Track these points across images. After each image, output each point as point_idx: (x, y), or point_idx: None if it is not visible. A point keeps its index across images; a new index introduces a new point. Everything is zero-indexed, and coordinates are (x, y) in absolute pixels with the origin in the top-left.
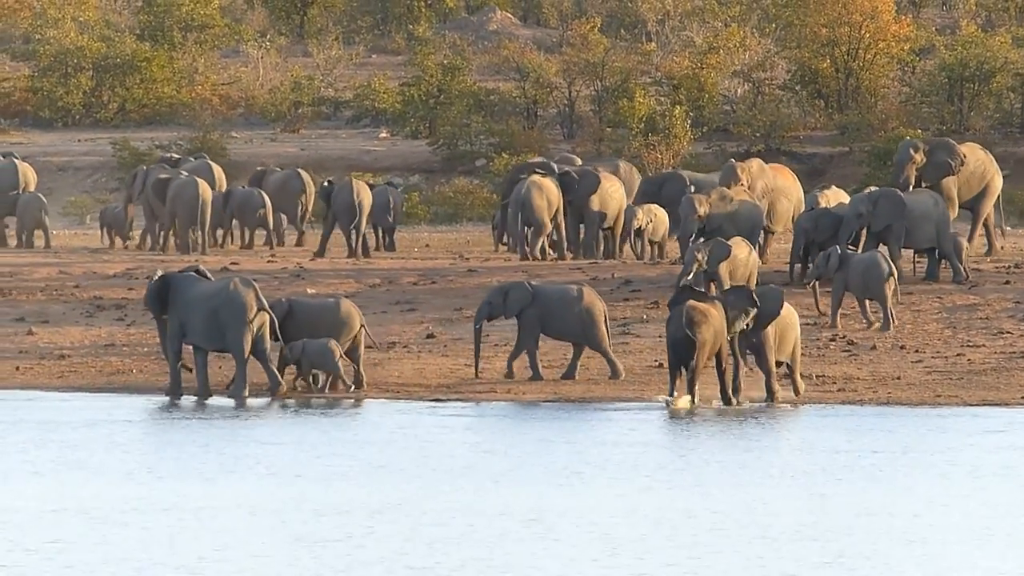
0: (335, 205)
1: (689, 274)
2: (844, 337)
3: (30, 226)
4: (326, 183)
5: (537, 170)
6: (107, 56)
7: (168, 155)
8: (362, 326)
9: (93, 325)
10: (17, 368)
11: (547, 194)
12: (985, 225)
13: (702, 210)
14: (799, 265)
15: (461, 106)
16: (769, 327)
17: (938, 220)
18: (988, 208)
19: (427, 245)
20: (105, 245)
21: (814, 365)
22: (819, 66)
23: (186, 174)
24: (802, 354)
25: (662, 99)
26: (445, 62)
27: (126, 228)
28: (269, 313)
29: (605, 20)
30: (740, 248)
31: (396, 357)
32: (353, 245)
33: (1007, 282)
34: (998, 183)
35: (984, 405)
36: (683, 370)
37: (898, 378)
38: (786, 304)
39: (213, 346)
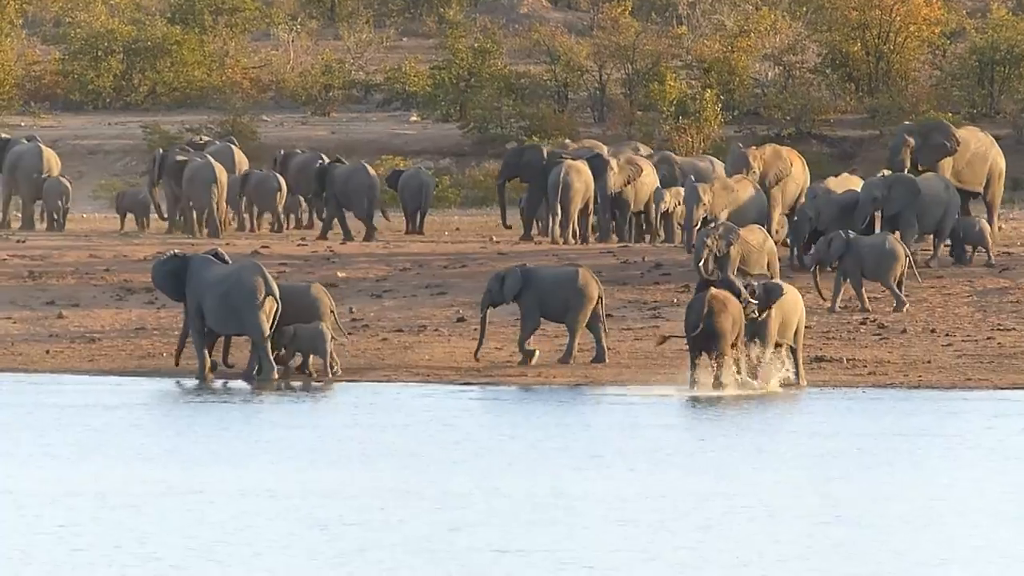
0: (346, 187)
1: (700, 260)
2: (875, 320)
3: (51, 210)
4: (322, 163)
5: (564, 155)
6: (137, 39)
7: (197, 138)
8: (332, 312)
9: (123, 308)
10: (48, 351)
11: (585, 178)
12: (989, 207)
13: (707, 198)
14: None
15: (492, 89)
16: (772, 313)
17: (948, 205)
18: (1000, 190)
19: (457, 229)
20: (124, 230)
21: (844, 348)
22: (850, 49)
23: (200, 157)
24: (834, 338)
25: (693, 82)
26: (476, 45)
27: (148, 212)
28: (276, 299)
29: (636, 3)
30: (754, 234)
31: (426, 340)
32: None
33: None
34: (1002, 165)
35: (1015, 388)
36: (702, 355)
37: (928, 362)
38: (790, 289)
39: (225, 330)
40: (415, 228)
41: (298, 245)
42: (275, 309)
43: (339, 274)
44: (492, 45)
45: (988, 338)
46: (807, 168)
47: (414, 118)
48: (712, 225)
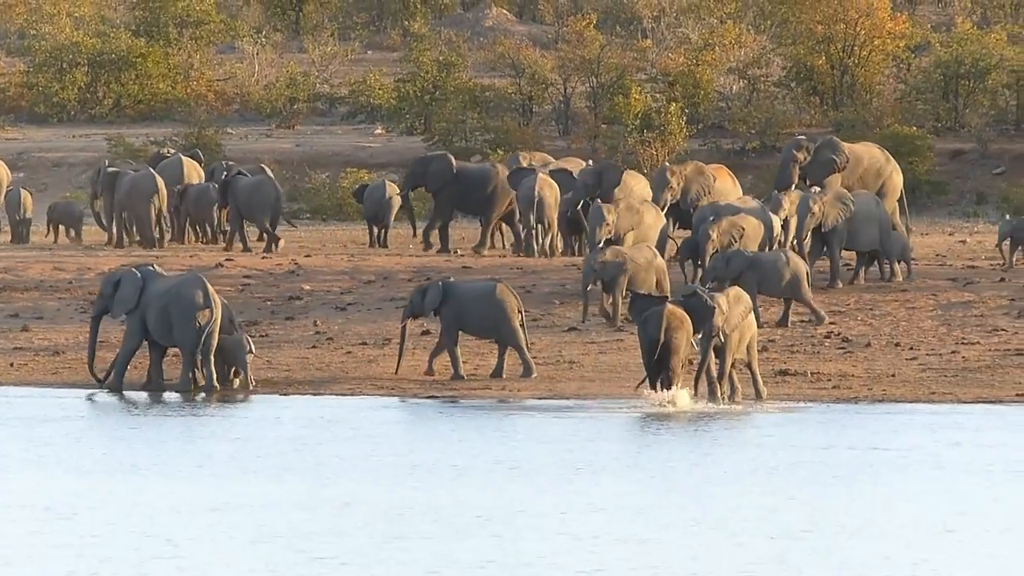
0: (249, 199)
1: (587, 284)
2: (839, 334)
3: (12, 223)
4: (225, 174)
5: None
6: (102, 52)
7: (165, 150)
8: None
9: (87, 322)
10: (12, 364)
11: (556, 192)
12: None
13: (611, 219)
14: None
15: (456, 102)
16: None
17: (881, 221)
18: (889, 206)
19: (422, 242)
20: (56, 242)
21: (809, 362)
22: (814, 63)
23: (139, 169)
24: (797, 351)
25: (657, 96)
26: (441, 58)
27: (80, 224)
28: (216, 311)
29: (601, 17)
30: (642, 253)
31: (391, 354)
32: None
33: (1001, 280)
34: (897, 181)
35: (979, 402)
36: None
37: (893, 375)
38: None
39: (166, 342)
40: (380, 241)
41: (262, 258)
42: (212, 322)
43: (304, 287)
44: (457, 58)
45: (953, 352)
46: (738, 184)
47: (379, 131)
48: (600, 247)
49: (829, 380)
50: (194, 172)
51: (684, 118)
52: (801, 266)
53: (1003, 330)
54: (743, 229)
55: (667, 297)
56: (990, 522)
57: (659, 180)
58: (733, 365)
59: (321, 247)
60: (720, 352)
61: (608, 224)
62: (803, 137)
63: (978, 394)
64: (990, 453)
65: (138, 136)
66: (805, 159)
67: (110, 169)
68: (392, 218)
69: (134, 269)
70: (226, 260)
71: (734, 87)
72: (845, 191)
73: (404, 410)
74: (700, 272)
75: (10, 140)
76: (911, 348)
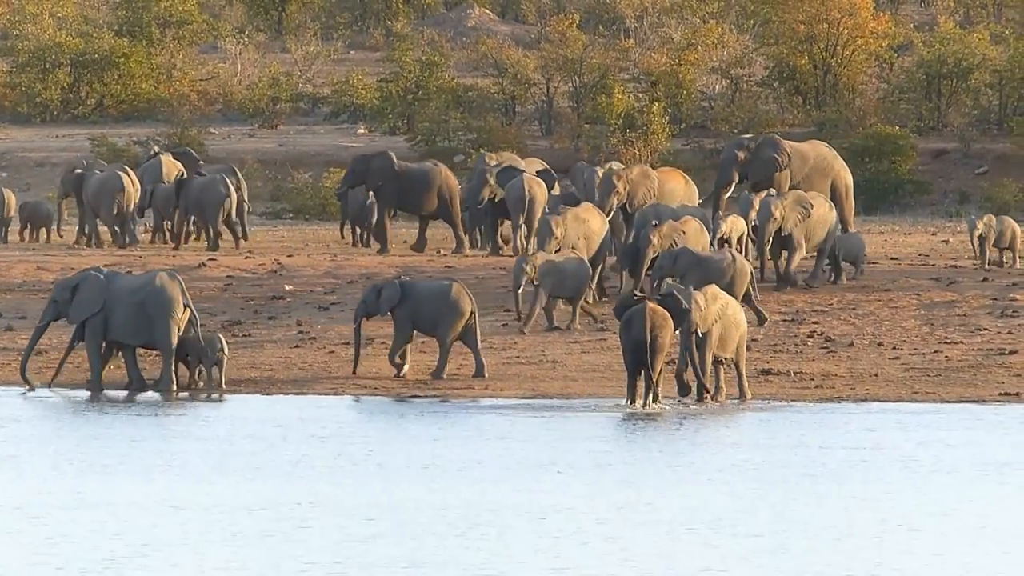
0: (200, 198)
1: (519, 287)
2: (822, 334)
3: None
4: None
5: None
6: (85, 52)
7: (153, 151)
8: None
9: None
10: None
11: (544, 192)
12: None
13: (559, 231)
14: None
15: (439, 102)
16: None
17: (831, 224)
18: (848, 205)
19: (405, 241)
20: (27, 242)
21: (792, 362)
22: (797, 63)
23: (103, 169)
24: (780, 351)
25: (640, 96)
26: (423, 58)
27: (50, 224)
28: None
29: (583, 16)
30: (569, 260)
31: (374, 353)
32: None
33: (984, 279)
34: (847, 179)
35: (961, 402)
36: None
37: (876, 375)
38: (731, 301)
39: (134, 341)
40: (363, 241)
41: (245, 258)
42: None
43: (287, 287)
44: (439, 58)
45: (935, 351)
46: (692, 185)
47: (361, 131)
48: (531, 253)
49: (812, 380)
50: (175, 172)
51: (667, 118)
52: (746, 267)
53: (986, 329)
54: (684, 233)
55: (648, 296)
56: (953, 521)
57: (605, 184)
58: (723, 363)
59: (304, 247)
60: (699, 349)
61: (556, 237)
62: (748, 136)
63: (961, 393)
64: (959, 452)
65: (121, 136)
66: (746, 158)
67: (76, 171)
68: (374, 218)
69: (92, 271)
70: (209, 260)
71: (717, 87)
72: (804, 195)
73: (379, 409)
74: (640, 278)
75: None
76: (894, 348)
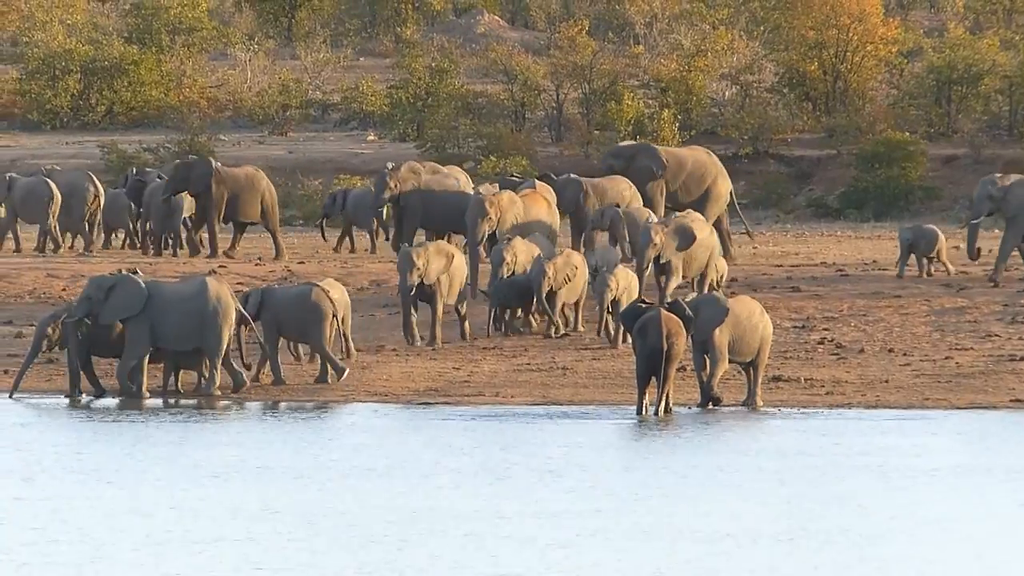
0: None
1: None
2: (833, 340)
3: None
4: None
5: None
6: (95, 59)
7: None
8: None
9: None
10: (6, 372)
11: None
12: (719, 229)
13: (509, 257)
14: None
15: (449, 109)
16: (720, 330)
17: (713, 248)
18: (714, 212)
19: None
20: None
21: (802, 368)
22: (807, 69)
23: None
24: (791, 358)
25: (650, 102)
26: (433, 65)
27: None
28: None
29: (593, 23)
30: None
31: (384, 360)
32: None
33: (995, 285)
34: (723, 186)
35: (972, 408)
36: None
37: (886, 381)
38: (747, 306)
39: (180, 347)
40: (354, 247)
41: (255, 265)
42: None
43: None
44: (449, 64)
45: (946, 358)
46: (553, 207)
47: (371, 137)
48: (417, 245)
49: (823, 386)
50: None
51: (677, 124)
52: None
53: (996, 335)
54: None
55: (656, 304)
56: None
57: (477, 210)
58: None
59: (314, 254)
60: (711, 356)
61: (507, 262)
62: (628, 143)
63: (972, 400)
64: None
65: (131, 143)
66: (623, 167)
67: (9, 176)
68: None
69: (128, 274)
70: (219, 267)
71: (727, 93)
72: (686, 222)
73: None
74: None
75: (3, 147)
76: (904, 354)
